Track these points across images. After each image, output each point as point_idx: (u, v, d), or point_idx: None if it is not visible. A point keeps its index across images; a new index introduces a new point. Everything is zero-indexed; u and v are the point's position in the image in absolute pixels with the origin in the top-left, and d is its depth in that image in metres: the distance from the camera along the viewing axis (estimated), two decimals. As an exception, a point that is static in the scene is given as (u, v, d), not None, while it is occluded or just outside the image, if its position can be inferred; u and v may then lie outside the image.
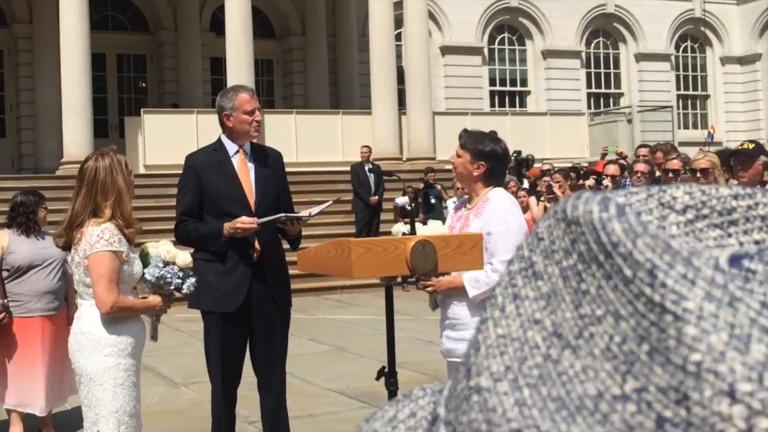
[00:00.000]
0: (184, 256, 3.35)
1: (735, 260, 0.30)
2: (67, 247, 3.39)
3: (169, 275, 3.28)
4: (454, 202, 9.69)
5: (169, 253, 3.30)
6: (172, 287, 3.32)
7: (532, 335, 0.32)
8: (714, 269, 0.28)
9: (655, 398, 0.27)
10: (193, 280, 3.37)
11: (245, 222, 3.82)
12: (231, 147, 4.07)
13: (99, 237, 3.23)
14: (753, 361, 0.26)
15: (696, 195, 0.34)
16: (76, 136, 14.94)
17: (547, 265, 0.32)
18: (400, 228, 3.66)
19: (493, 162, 3.55)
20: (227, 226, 3.84)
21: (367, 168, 13.49)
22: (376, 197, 13.27)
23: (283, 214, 3.92)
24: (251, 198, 4.00)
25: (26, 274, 5.14)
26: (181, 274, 3.32)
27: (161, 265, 3.27)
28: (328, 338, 8.58)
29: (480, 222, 3.47)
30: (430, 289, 3.53)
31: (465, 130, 3.70)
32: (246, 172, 4.05)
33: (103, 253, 3.22)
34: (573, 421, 0.29)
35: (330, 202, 4.50)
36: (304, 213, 4.03)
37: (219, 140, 4.14)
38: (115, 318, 3.27)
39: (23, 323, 5.14)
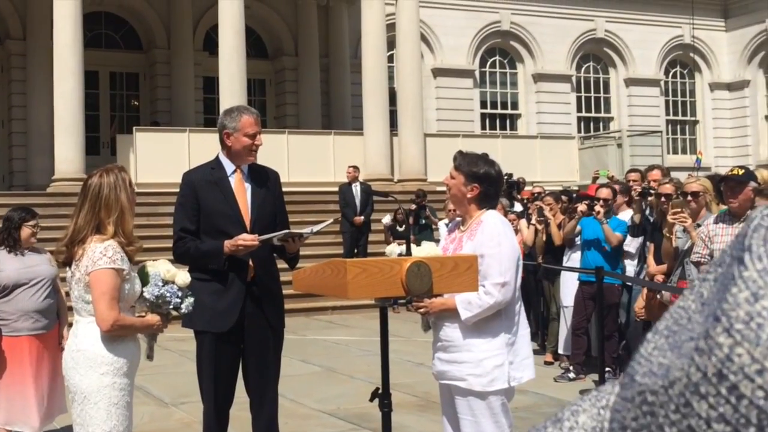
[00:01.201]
0: (183, 276, 3.33)
1: None
2: (67, 262, 3.37)
3: (168, 294, 3.25)
4: (447, 224, 9.71)
5: (168, 272, 3.28)
6: (171, 306, 3.29)
7: (693, 305, 0.43)
8: None
9: (701, 338, 0.38)
10: (191, 299, 3.34)
11: (246, 239, 3.81)
12: (229, 166, 4.07)
13: (102, 254, 3.21)
14: (754, 311, 0.36)
15: None
16: (67, 153, 14.92)
17: (726, 254, 0.42)
18: (395, 249, 3.65)
19: (487, 185, 3.55)
20: (228, 243, 3.82)
21: (356, 188, 13.51)
22: (361, 217, 13.29)
23: (284, 231, 3.91)
24: (247, 218, 3.99)
25: (12, 293, 5.10)
26: (180, 294, 3.30)
27: (160, 283, 3.25)
28: (319, 359, 8.55)
29: (473, 244, 3.46)
30: (422, 310, 3.51)
31: (460, 152, 3.69)
32: (243, 192, 4.05)
33: (105, 270, 3.21)
34: (666, 356, 0.41)
35: (330, 221, 4.53)
36: (305, 230, 4.01)
37: (217, 158, 4.13)
38: (112, 336, 3.25)
39: (10, 342, 5.10)
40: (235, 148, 4.02)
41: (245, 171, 4.08)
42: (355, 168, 13.90)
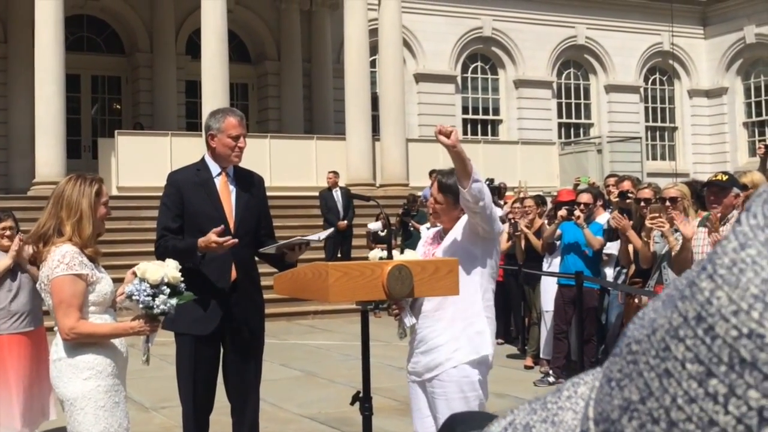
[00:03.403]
0: (153, 272, 3.14)
1: None
2: (33, 261, 3.41)
3: (136, 292, 3.13)
4: (428, 228, 9.73)
5: (139, 269, 3.15)
6: (141, 306, 3.15)
7: (694, 273, 0.45)
8: None
9: (686, 287, 0.40)
10: (164, 297, 3.16)
11: (219, 237, 3.76)
12: (214, 168, 4.09)
13: (59, 261, 3.21)
14: (739, 258, 0.38)
15: None
16: (48, 156, 14.83)
17: None
18: (377, 254, 3.68)
19: None
20: (201, 240, 3.81)
21: (337, 193, 13.53)
22: (345, 222, 13.31)
23: (293, 239, 3.93)
24: (231, 220, 4.01)
25: None
26: (149, 292, 3.14)
27: (137, 282, 3.16)
28: (300, 363, 8.56)
29: (453, 234, 3.55)
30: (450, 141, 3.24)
31: (438, 173, 3.72)
32: (228, 194, 4.07)
33: (63, 277, 3.21)
34: (657, 311, 0.43)
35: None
36: (312, 237, 4.02)
37: (203, 160, 4.15)
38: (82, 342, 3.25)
39: None
40: (218, 149, 4.05)
41: (231, 173, 4.11)
42: (335, 173, 13.93)
